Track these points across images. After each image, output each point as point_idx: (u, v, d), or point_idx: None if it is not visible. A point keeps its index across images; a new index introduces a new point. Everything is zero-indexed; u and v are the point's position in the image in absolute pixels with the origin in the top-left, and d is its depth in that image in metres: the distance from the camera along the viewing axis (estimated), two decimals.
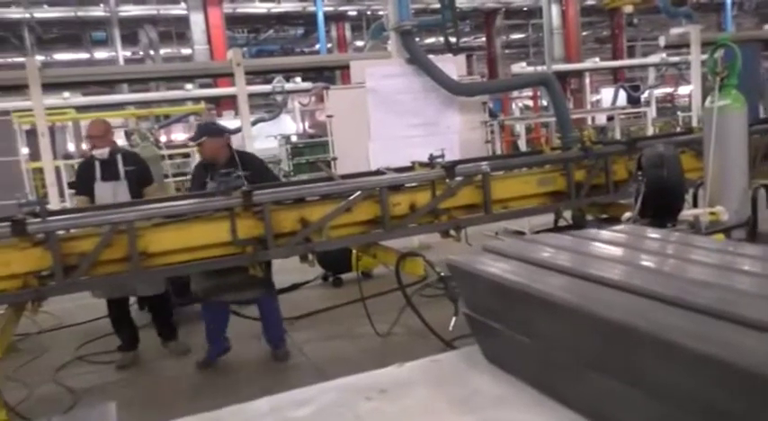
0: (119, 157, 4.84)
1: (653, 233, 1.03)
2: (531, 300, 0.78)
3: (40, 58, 12.42)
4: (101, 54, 21.73)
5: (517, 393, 0.85)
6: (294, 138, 13.66)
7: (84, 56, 22.16)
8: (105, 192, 4.70)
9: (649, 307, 0.68)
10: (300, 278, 6.56)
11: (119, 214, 3.50)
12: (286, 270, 5.99)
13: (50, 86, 9.40)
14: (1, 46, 20.34)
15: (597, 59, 18.13)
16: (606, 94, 18.46)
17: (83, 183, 4.90)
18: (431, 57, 7.74)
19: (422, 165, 4.58)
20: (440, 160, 4.44)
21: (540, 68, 14.23)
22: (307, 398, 0.82)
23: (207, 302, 4.59)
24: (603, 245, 1.00)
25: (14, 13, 18.07)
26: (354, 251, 5.74)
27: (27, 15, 18.18)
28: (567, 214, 5.37)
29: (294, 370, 4.51)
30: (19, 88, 10.02)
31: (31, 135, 11.00)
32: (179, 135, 19.48)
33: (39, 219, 3.33)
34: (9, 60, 20.71)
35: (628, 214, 4.03)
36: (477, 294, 0.93)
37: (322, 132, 14.75)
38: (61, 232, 3.45)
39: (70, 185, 8.34)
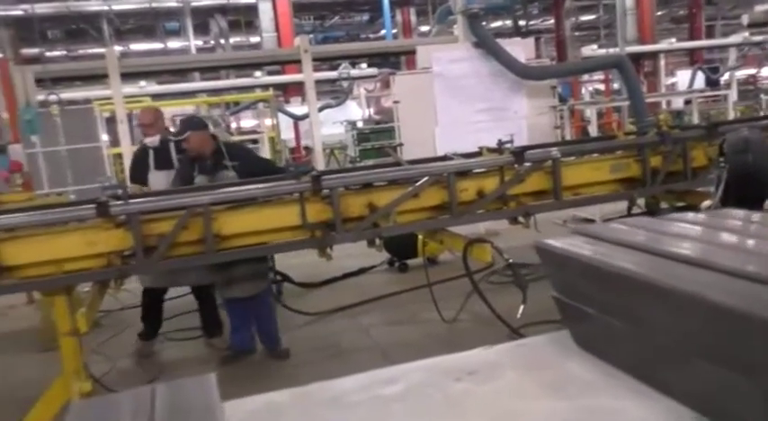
0: (171, 145, 4.81)
1: (756, 217, 0.98)
2: (632, 285, 0.75)
3: (117, 48, 12.96)
4: (174, 44, 22.47)
5: (612, 380, 0.83)
6: (360, 124, 13.74)
7: (158, 46, 22.96)
8: (159, 180, 4.72)
9: (765, 292, 0.64)
10: (366, 263, 6.62)
11: (195, 197, 3.61)
12: (352, 255, 6.06)
13: (128, 75, 9.78)
14: (81, 37, 21.33)
15: (673, 40, 17.32)
16: (682, 77, 17.63)
17: (137, 171, 4.91)
18: (498, 40, 7.61)
19: (490, 150, 4.51)
20: (508, 145, 4.36)
21: (612, 51, 13.73)
22: (395, 377, 0.82)
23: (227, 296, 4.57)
24: (705, 228, 0.95)
25: (94, 5, 18.89)
26: (421, 237, 5.74)
27: (105, 7, 18.97)
28: (641, 202, 5.18)
29: (360, 353, 4.56)
30: (99, 78, 10.50)
31: (111, 122, 11.51)
32: (248, 122, 19.96)
33: (121, 202, 3.47)
34: (89, 51, 21.70)
35: (707, 202, 3.85)
36: (569, 278, 0.90)
37: (387, 118, 14.78)
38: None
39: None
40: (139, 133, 5.92)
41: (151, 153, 4.82)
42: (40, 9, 16.66)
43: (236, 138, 11.58)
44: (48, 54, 20.27)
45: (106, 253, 3.52)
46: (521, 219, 4.36)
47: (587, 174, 4.58)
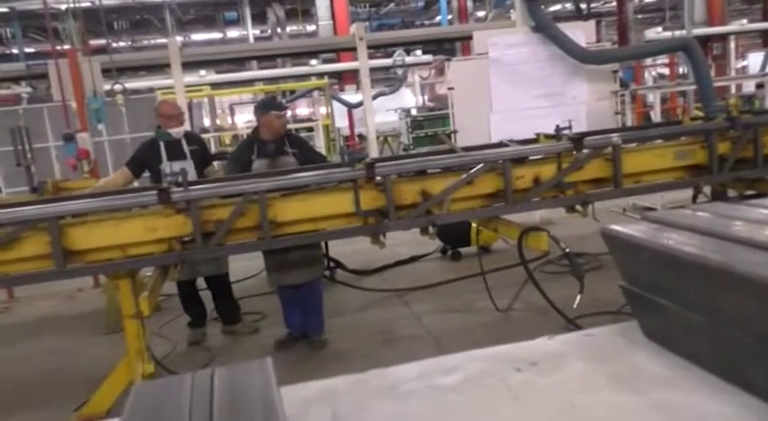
0: (183, 138, 4.89)
1: None
2: (708, 273, 0.70)
3: (178, 38, 13.28)
4: (232, 33, 22.87)
5: (684, 373, 0.78)
6: (414, 112, 13.68)
7: (217, 35, 23.43)
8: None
9: None
10: (419, 251, 6.60)
11: (252, 184, 3.66)
12: (405, 242, 6.05)
13: (189, 65, 10.02)
14: (145, 28, 21.96)
15: (745, 21, 16.46)
16: (754, 60, 16.75)
17: (142, 161, 4.82)
18: (557, 24, 7.40)
19: (547, 136, 4.39)
20: (567, 132, 4.23)
21: (678, 33, 13.16)
22: (454, 366, 0.79)
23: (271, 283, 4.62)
24: None
25: None
26: (474, 225, 5.67)
27: None
28: (707, 191, 4.97)
29: (413, 340, 4.56)
30: (162, 67, 10.79)
31: None
32: (302, 110, 20.17)
33: (181, 189, 3.55)
34: (152, 42, 22.34)
35: None
36: (639, 267, 0.85)
37: (441, 105, 14.67)
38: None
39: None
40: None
41: (162, 145, 4.79)
42: (107, 0, 17.22)
43: (292, 126, 11.72)
44: (113, 45, 20.97)
45: (167, 238, 3.61)
46: (578, 207, 4.25)
47: (650, 161, 4.41)
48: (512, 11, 8.32)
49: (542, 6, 7.60)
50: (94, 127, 6.91)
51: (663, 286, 0.80)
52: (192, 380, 0.63)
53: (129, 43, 22.47)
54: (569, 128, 4.23)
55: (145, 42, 22.82)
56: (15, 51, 18.64)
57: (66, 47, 8.38)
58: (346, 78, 16.29)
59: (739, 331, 0.68)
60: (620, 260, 0.92)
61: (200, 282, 5.10)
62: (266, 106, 4.66)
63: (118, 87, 7.43)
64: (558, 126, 4.27)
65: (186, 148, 4.85)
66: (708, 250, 0.73)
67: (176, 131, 4.84)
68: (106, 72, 7.24)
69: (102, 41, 19.14)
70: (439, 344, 4.42)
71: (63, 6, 12.06)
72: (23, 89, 12.83)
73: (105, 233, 3.55)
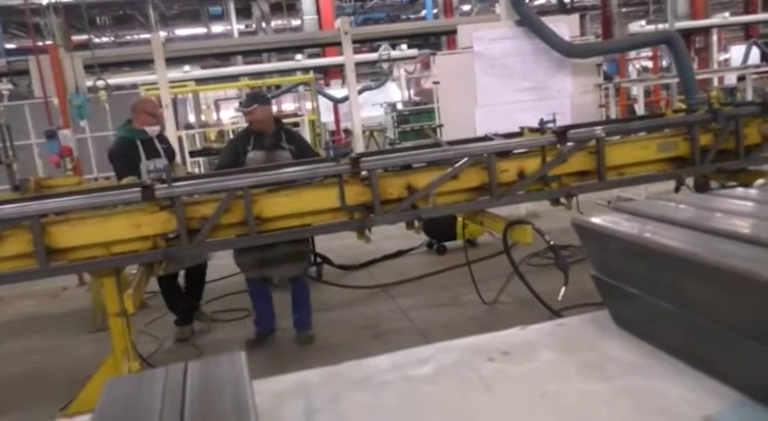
0: (154, 136, 4.84)
1: None
2: (676, 262, 0.72)
3: (162, 33, 13.18)
4: (216, 28, 22.72)
5: (655, 361, 0.79)
6: (400, 106, 13.67)
7: (201, 31, 23.26)
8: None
9: None
10: (404, 245, 6.62)
11: (236, 180, 3.65)
12: (390, 237, 6.07)
13: (173, 60, 9.95)
14: (128, 23, 21.76)
15: (727, 15, 16.61)
16: (736, 53, 16.90)
17: (126, 162, 4.70)
18: (542, 18, 7.43)
19: (531, 130, 4.41)
20: (551, 125, 4.26)
21: (661, 27, 13.25)
22: (427, 357, 0.81)
23: (249, 278, 4.61)
24: (756, 204, 0.90)
25: None
26: (460, 219, 5.70)
27: None
28: (690, 182, 5.02)
29: (399, 334, 4.58)
30: (145, 63, 10.71)
31: None
32: (288, 105, 20.09)
33: (165, 185, 3.54)
34: (136, 37, 22.14)
35: (761, 181, 3.71)
36: (609, 256, 0.87)
37: (427, 100, 14.67)
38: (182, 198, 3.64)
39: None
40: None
41: (139, 144, 4.75)
42: None
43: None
44: (96, 41, 20.75)
45: (152, 235, 3.59)
46: (562, 200, 4.28)
47: (633, 154, 4.45)
48: (497, 5, 8.31)
49: (526, 0, 7.62)
50: (77, 123, 6.84)
51: (630, 274, 0.82)
52: (166, 374, 0.64)
53: (112, 39, 22.25)
54: (553, 121, 4.25)
55: (128, 38, 22.61)
56: None
57: (48, 43, 8.28)
58: (332, 73, 16.24)
59: (705, 319, 0.69)
60: (591, 250, 0.94)
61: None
62: (252, 100, 4.69)
63: (101, 83, 7.37)
64: (542, 119, 4.29)
65: (159, 146, 4.83)
66: (675, 240, 0.74)
67: (152, 130, 4.80)
68: (89, 68, 7.17)
69: (84, 37, 19.01)
70: (425, 337, 4.44)
71: (44, 1, 11.92)
72: (4, 86, 12.66)
73: (89, 231, 3.52)
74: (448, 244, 6.59)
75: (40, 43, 8.51)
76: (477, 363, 0.78)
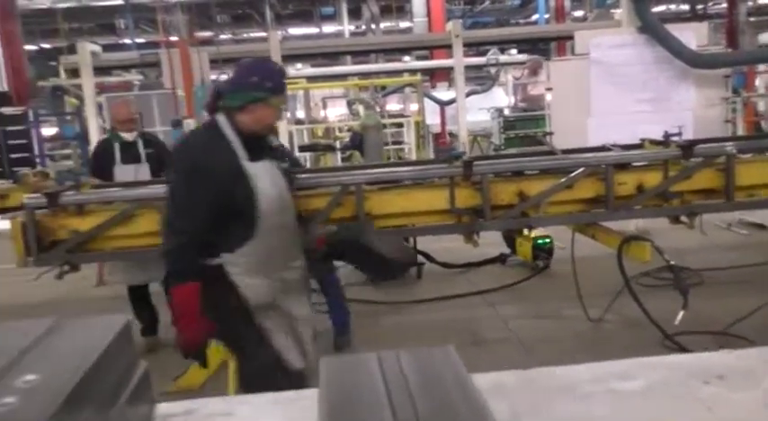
0: (139, 140, 4.75)
1: None
2: None
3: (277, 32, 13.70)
4: (327, 29, 23.34)
5: None
6: (506, 112, 13.46)
7: (313, 30, 23.98)
8: (126, 175, 4.55)
9: None
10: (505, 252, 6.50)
11: (350, 176, 3.73)
12: (493, 243, 5.98)
13: (287, 58, 10.32)
14: (246, 22, 22.79)
15: None
16: None
17: (100, 164, 4.68)
18: (666, 25, 7.09)
19: (653, 142, 4.22)
20: (675, 138, 4.05)
21: None
22: (630, 372, 0.78)
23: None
24: None
25: None
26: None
27: None
28: None
29: (501, 344, 4.48)
30: None
31: None
32: (393, 106, 20.32)
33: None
34: (252, 35, 23.17)
35: None
36: None
37: (533, 106, 14.35)
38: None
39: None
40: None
41: (117, 146, 4.66)
42: None
43: (384, 121, 11.81)
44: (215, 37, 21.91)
45: None
46: (684, 218, 4.05)
47: (767, 174, 4.14)
48: (615, 11, 8.01)
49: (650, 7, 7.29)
50: (200, 114, 7.25)
51: None
52: (379, 359, 0.65)
53: (231, 36, 23.39)
54: (679, 134, 4.04)
55: (245, 35, 23.68)
56: (126, 41, 19.85)
57: (175, 38, 8.84)
58: (438, 75, 16.23)
59: None
60: None
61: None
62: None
63: (224, 77, 7.76)
64: (666, 132, 4.09)
65: (142, 151, 4.70)
66: None
67: (127, 136, 4.71)
68: (212, 63, 7.58)
69: (205, 34, 20.10)
70: (529, 351, 4.33)
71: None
72: (135, 76, 13.64)
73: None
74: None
75: (168, 39, 9.08)
76: (690, 384, 0.74)
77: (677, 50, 6.73)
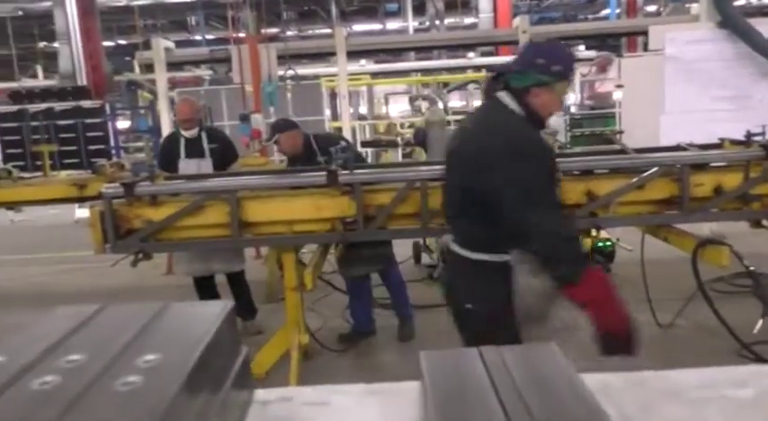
0: (203, 135, 4.88)
1: None
2: None
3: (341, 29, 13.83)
4: (391, 25, 23.38)
5: None
6: (573, 109, 13.12)
7: (376, 26, 24.08)
8: (190, 168, 4.73)
9: None
10: None
11: (414, 172, 3.72)
12: None
13: (351, 54, 10.40)
14: (311, 18, 23.11)
15: None
16: None
17: (167, 158, 4.88)
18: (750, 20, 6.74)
19: (733, 142, 4.02)
20: (758, 138, 3.84)
21: None
22: (743, 379, 0.74)
23: (345, 276, 4.60)
24: None
25: None
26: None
27: None
28: None
29: (565, 348, 4.37)
30: (325, 55, 11.30)
31: (330, 98, 12.37)
32: (455, 102, 20.18)
33: (347, 171, 3.69)
34: (317, 31, 23.48)
35: None
36: None
37: (601, 104, 13.93)
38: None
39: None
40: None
41: (182, 141, 4.86)
42: None
43: (449, 117, 11.71)
44: (281, 34, 22.30)
45: (331, 218, 3.77)
46: (765, 222, 3.85)
47: None
48: (691, 5, 7.68)
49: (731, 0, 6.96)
50: (267, 109, 7.40)
51: None
52: (480, 353, 0.64)
53: (296, 33, 23.76)
54: (763, 134, 3.84)
55: (310, 32, 24.01)
56: (197, 37, 20.48)
57: (243, 35, 9.07)
58: None
59: None
60: None
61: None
62: (273, 131, 4.80)
63: (290, 73, 7.90)
64: (748, 131, 3.89)
65: (206, 146, 4.87)
66: None
67: (188, 133, 4.88)
68: (280, 58, 7.71)
69: (272, 30, 20.50)
70: (595, 355, 4.20)
71: None
72: (205, 72, 14.06)
73: (276, 208, 3.77)
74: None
75: (237, 35, 9.31)
76: None
77: (762, 46, 6.39)
